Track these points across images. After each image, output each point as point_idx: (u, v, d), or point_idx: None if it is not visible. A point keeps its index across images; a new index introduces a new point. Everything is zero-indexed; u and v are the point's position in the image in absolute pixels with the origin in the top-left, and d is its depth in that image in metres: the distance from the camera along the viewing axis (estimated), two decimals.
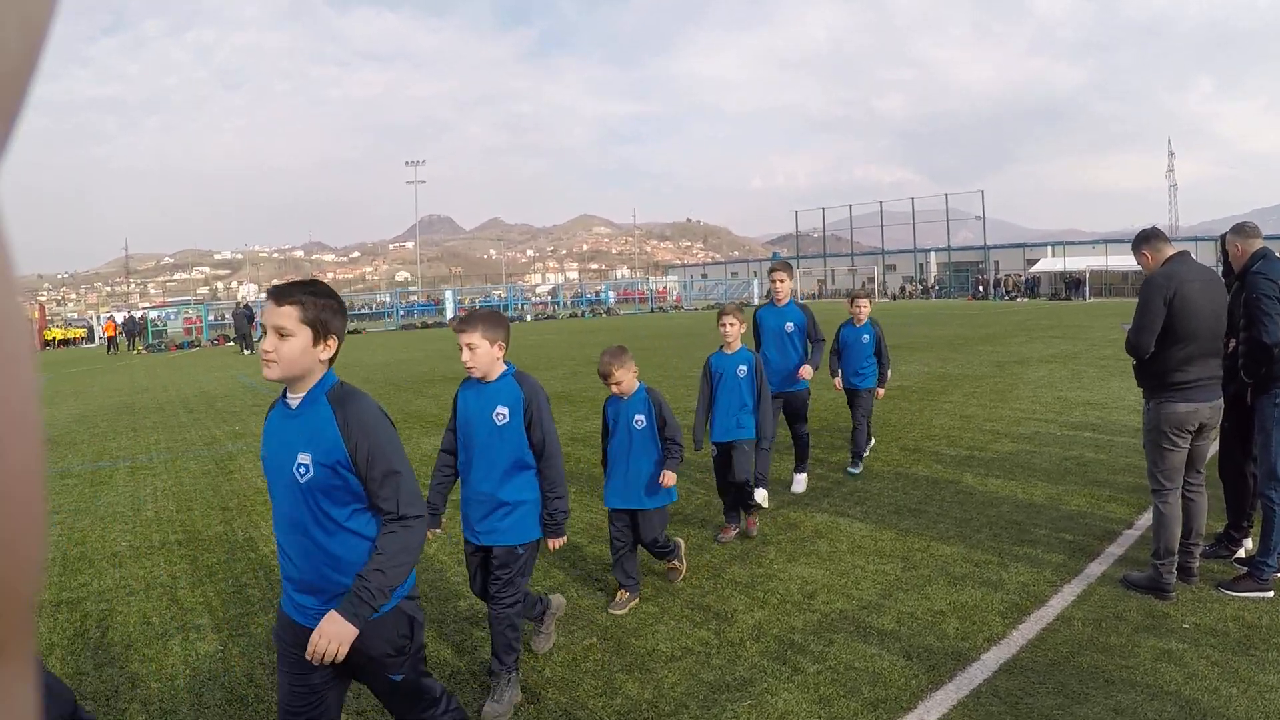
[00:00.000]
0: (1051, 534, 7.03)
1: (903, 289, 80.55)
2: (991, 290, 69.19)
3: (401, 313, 66.41)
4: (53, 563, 7.62)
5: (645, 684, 4.83)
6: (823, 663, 4.96)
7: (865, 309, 9.81)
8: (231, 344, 40.15)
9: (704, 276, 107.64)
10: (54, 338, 59.24)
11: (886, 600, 5.84)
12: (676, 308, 71.75)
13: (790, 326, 8.57)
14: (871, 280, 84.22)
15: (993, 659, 4.89)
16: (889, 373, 10.11)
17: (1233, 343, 6.04)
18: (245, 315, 40.43)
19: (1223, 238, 6.45)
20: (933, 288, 78.23)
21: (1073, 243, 75.66)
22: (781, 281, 8.69)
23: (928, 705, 4.41)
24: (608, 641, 5.43)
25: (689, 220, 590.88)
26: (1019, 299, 64.80)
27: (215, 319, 61.34)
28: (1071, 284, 63.34)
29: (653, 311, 67.71)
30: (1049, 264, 70.01)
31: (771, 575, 6.44)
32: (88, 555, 7.83)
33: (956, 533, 7.20)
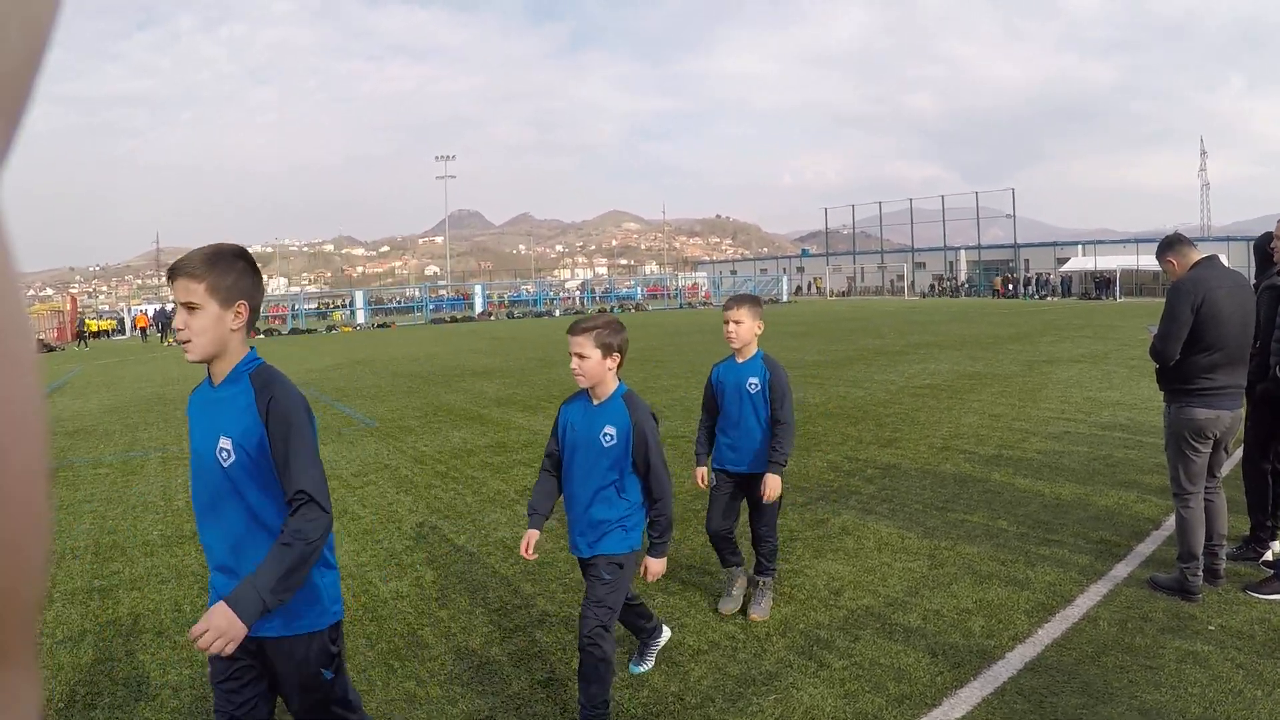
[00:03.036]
0: (1079, 534, 7.04)
1: (932, 287, 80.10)
2: (1022, 289, 68.82)
3: (431, 307, 66.80)
4: (85, 551, 7.77)
5: (672, 677, 4.89)
6: (848, 658, 5.00)
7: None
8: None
9: (733, 273, 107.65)
10: (94, 329, 59.53)
11: (913, 597, 5.87)
12: (706, 303, 71.64)
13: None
14: (901, 278, 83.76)
15: (1018, 657, 4.91)
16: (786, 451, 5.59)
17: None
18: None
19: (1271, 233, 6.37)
20: (962, 286, 77.79)
21: (1103, 242, 74.98)
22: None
23: (952, 702, 4.45)
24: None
25: (718, 216, 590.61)
26: (1049, 298, 64.44)
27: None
28: (1102, 284, 62.85)
29: (682, 307, 67.66)
30: (1079, 263, 69.51)
31: (798, 571, 6.48)
32: (120, 544, 7.95)
33: (983, 531, 7.22)
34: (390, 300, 77.25)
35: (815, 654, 5.08)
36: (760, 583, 5.89)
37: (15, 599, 0.40)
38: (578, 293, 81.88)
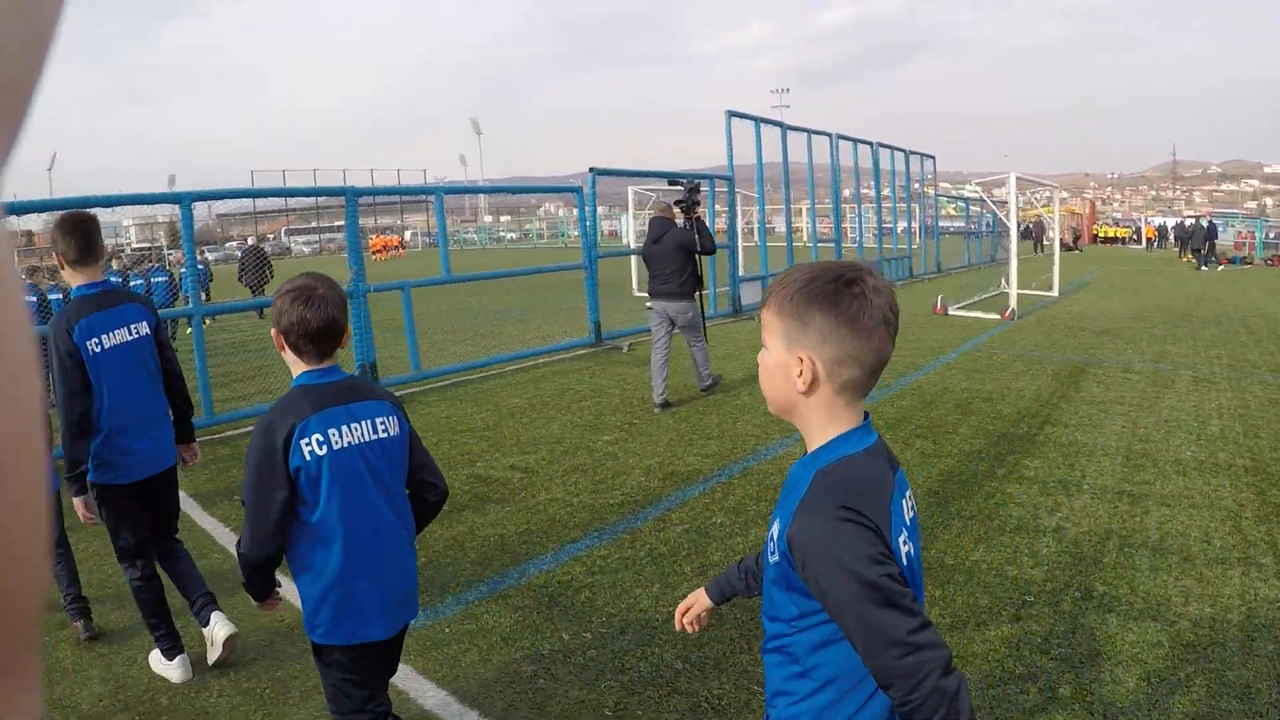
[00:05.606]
0: None
1: None
2: None
3: None
4: (1116, 452, 7.88)
5: None
6: None
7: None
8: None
9: None
10: (1100, 235, 65.19)
11: None
12: None
13: None
14: None
15: None
16: None
17: None
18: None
19: None
20: None
21: None
22: None
23: None
24: None
25: None
26: None
27: (1271, 236, 59.07)
28: None
29: None
30: None
31: None
32: (1150, 454, 7.84)
33: None
34: None
35: None
36: None
37: (18, 611, 0.40)
38: None
